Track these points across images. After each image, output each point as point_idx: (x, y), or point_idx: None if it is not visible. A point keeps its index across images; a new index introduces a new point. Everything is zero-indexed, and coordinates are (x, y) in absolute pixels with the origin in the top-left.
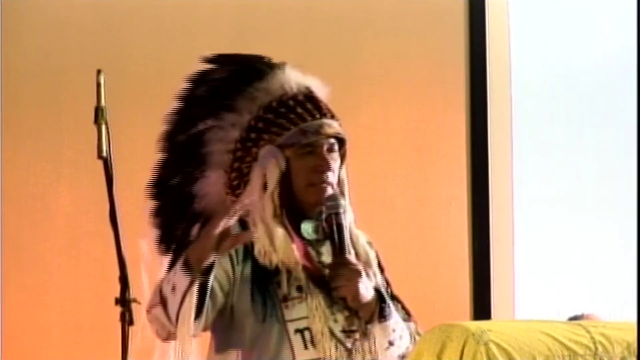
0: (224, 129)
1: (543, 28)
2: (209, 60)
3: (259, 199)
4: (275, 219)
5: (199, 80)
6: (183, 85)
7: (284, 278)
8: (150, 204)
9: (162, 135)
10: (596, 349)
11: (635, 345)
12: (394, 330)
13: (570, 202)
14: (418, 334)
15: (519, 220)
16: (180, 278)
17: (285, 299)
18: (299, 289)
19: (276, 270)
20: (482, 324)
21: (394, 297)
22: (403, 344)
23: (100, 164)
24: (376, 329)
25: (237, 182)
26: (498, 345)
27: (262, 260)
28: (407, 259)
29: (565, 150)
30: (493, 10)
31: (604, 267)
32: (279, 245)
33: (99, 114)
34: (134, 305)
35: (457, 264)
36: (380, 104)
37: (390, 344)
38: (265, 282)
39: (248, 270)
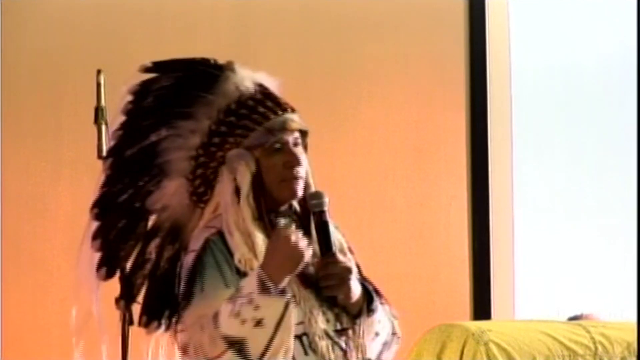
0: (182, 137)
1: (543, 28)
2: (148, 70)
3: (232, 204)
4: (254, 223)
5: (142, 92)
6: (126, 98)
7: None
8: (93, 225)
9: (109, 152)
10: (596, 349)
11: (635, 345)
12: (379, 321)
13: (570, 202)
14: (394, 316)
15: (519, 220)
16: (266, 305)
17: None
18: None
19: None
20: (482, 324)
21: (364, 280)
22: (385, 331)
23: (100, 164)
24: (364, 323)
25: (204, 189)
26: (498, 345)
27: (243, 268)
28: (407, 259)
29: (565, 150)
30: (493, 10)
31: (604, 267)
32: (259, 252)
33: (99, 114)
34: (133, 305)
35: (457, 263)
36: (380, 104)
37: (376, 334)
38: None
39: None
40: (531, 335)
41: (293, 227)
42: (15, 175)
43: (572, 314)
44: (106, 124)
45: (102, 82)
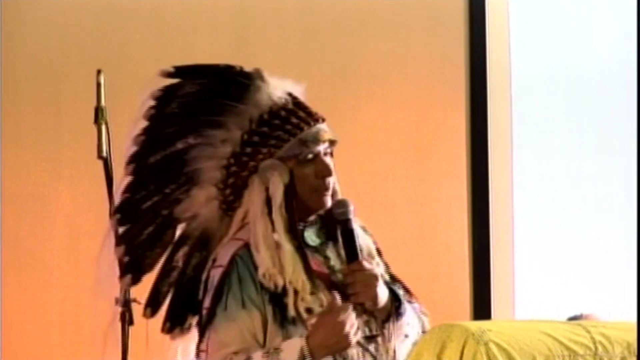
0: (212, 145)
1: (543, 28)
2: (170, 75)
3: (261, 215)
4: (286, 235)
5: (165, 97)
6: (147, 103)
7: (290, 300)
8: (116, 231)
9: (130, 158)
10: (596, 349)
11: (635, 345)
12: (408, 324)
13: (570, 202)
14: (424, 313)
15: (519, 220)
16: None
17: (301, 317)
18: (309, 310)
19: (283, 291)
20: (482, 324)
21: (393, 278)
22: (415, 331)
23: (100, 164)
24: (393, 327)
25: (233, 198)
26: (498, 345)
27: (266, 283)
28: (407, 259)
29: (565, 150)
30: (493, 10)
31: (603, 267)
32: (287, 266)
33: (99, 114)
34: (133, 305)
35: (457, 263)
36: (380, 104)
37: (406, 336)
38: (280, 304)
39: (267, 296)
40: (531, 335)
41: (349, 307)
42: (15, 175)
43: (572, 314)
44: (106, 124)
45: (102, 82)
